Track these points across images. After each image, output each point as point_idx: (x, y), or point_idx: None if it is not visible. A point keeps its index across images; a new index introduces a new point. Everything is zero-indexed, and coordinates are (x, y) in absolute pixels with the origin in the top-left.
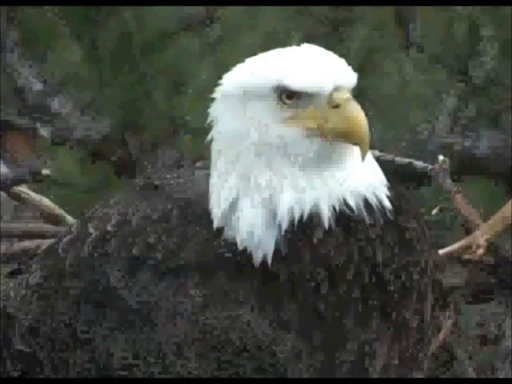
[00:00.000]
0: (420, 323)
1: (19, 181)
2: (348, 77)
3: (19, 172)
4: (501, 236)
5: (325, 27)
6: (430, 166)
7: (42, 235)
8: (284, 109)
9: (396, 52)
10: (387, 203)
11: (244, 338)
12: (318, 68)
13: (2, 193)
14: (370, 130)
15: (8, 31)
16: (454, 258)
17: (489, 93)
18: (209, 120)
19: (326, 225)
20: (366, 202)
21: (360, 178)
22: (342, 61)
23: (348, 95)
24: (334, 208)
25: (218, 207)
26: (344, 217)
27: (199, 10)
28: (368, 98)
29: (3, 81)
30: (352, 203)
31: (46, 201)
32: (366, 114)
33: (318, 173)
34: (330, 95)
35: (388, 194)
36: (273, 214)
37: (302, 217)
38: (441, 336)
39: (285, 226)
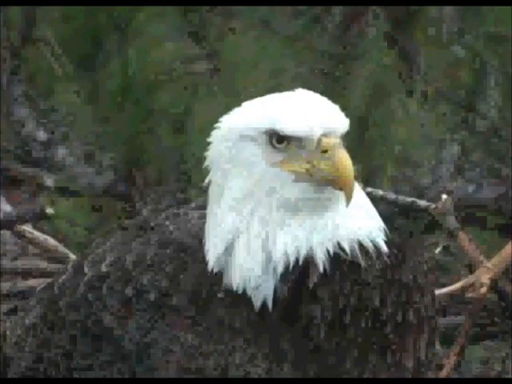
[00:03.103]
0: (416, 362)
1: (23, 219)
2: (338, 123)
3: (23, 211)
4: (504, 275)
5: (329, 63)
6: (434, 205)
7: (46, 273)
8: (275, 153)
9: (401, 88)
10: (383, 247)
11: (239, 371)
12: (308, 113)
13: (6, 231)
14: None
15: (12, 84)
16: (458, 297)
17: (491, 144)
18: (206, 163)
19: (321, 269)
20: (361, 246)
21: (355, 222)
22: (335, 107)
23: (336, 141)
24: (329, 252)
25: (212, 251)
26: (339, 261)
27: (203, 47)
28: (375, 134)
29: (8, 131)
30: (346, 247)
31: (49, 239)
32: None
33: (311, 217)
34: (319, 140)
35: (384, 237)
36: (268, 259)
37: (297, 261)
38: (444, 373)
39: (280, 270)
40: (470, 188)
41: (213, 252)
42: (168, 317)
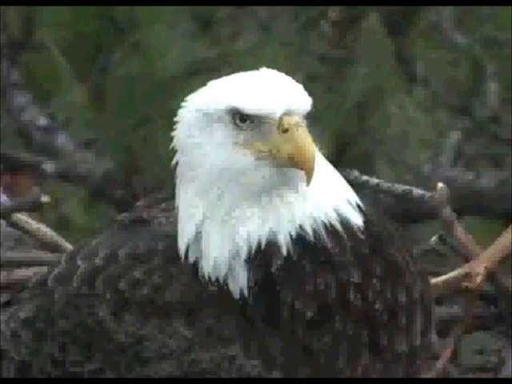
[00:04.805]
0: (410, 348)
1: (18, 208)
2: (300, 102)
3: (18, 200)
4: (500, 264)
5: (326, 66)
6: (429, 194)
7: (42, 263)
8: (238, 132)
9: (398, 91)
10: (356, 221)
11: (231, 374)
12: (269, 92)
13: (2, 221)
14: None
15: (12, 71)
16: (453, 287)
17: (491, 132)
18: (172, 144)
19: (285, 253)
20: (328, 225)
21: (319, 202)
22: (299, 86)
23: (297, 120)
24: (291, 235)
25: (182, 238)
26: (304, 243)
27: (204, 53)
28: (372, 137)
29: (8, 118)
30: (308, 228)
31: (44, 228)
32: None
33: (273, 200)
34: (281, 119)
35: (357, 212)
36: (233, 245)
37: (259, 246)
38: (439, 364)
39: (243, 256)
40: (471, 175)
41: (183, 239)
42: (161, 316)
